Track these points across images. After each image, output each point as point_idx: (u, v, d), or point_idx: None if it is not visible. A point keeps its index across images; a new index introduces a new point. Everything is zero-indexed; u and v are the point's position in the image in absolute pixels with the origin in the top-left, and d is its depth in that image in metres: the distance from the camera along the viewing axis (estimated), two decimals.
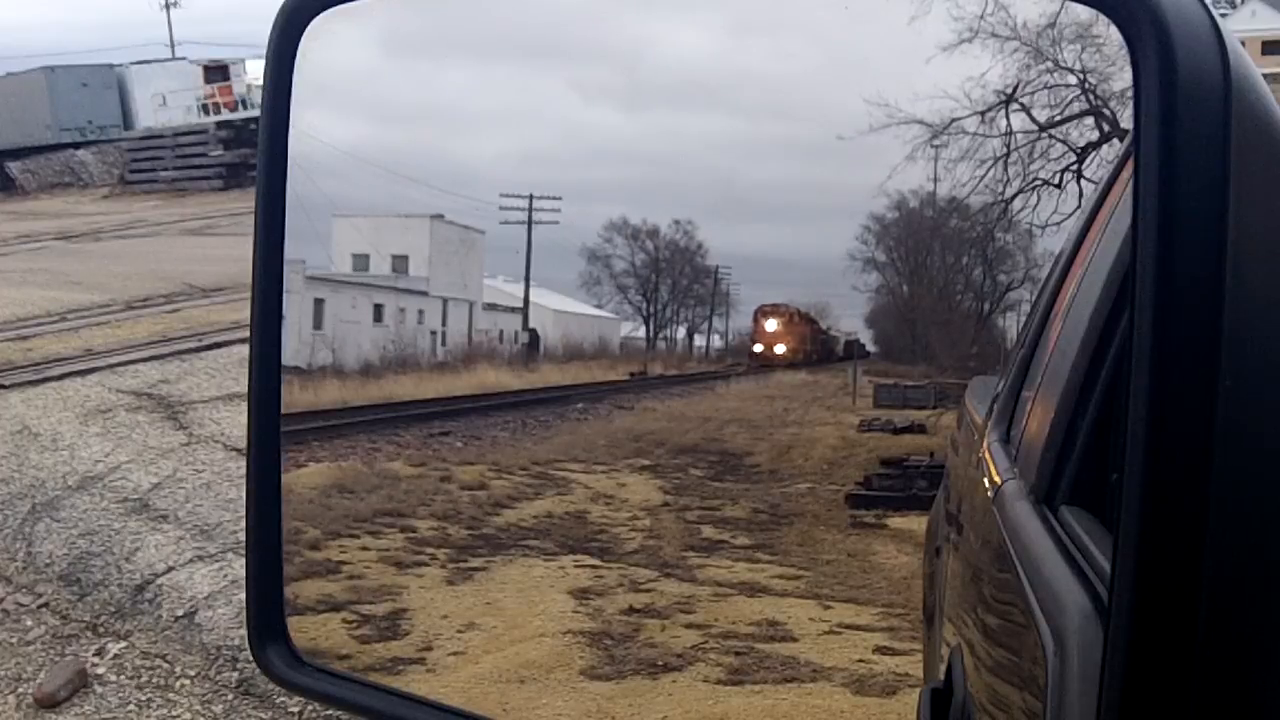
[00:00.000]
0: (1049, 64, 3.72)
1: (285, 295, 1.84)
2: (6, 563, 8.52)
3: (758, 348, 11.28)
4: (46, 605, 7.95)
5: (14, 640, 7.66)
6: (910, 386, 8.01)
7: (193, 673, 6.98)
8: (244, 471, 1.84)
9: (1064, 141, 4.15)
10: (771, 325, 11.24)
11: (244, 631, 2.96)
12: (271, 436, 1.82)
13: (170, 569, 7.94)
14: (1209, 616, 0.82)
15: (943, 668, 1.66)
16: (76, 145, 47.69)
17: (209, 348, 13.44)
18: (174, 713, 6.73)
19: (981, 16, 3.08)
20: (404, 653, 5.62)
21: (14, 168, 47.66)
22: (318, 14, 1.71)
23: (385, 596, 6.30)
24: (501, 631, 5.77)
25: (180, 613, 7.49)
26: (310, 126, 1.84)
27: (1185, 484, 0.82)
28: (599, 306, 11.40)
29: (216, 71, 47.24)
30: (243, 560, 1.86)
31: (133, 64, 50.27)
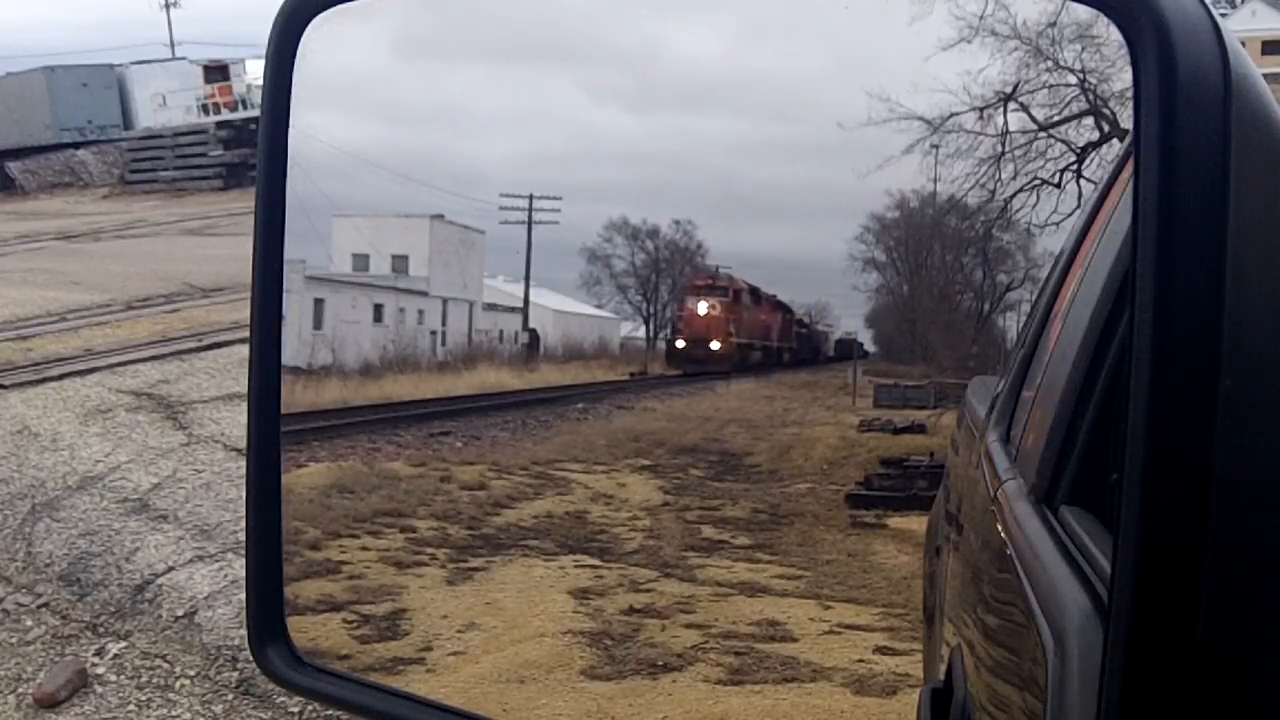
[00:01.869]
0: (1049, 63, 3.72)
1: (285, 295, 1.84)
2: (6, 563, 8.51)
3: (680, 342, 7.92)
4: (46, 605, 7.95)
5: (14, 640, 7.66)
6: (910, 386, 7.97)
7: (193, 673, 6.98)
8: (244, 471, 1.84)
9: (1064, 141, 4.15)
10: (703, 308, 7.92)
11: (244, 631, 2.96)
12: (271, 436, 1.83)
13: (170, 569, 7.94)
14: (1209, 616, 0.82)
15: (943, 668, 1.66)
16: (76, 145, 47.67)
17: (209, 348, 13.44)
18: (174, 713, 6.72)
19: (982, 16, 3.08)
20: (404, 653, 5.62)
21: (14, 168, 47.65)
22: (318, 14, 1.71)
23: (385, 596, 6.30)
24: (501, 631, 5.77)
25: (180, 613, 7.48)
26: (310, 126, 1.84)
27: (1185, 484, 0.82)
28: (599, 306, 11.38)
29: (216, 71, 47.23)
30: (243, 560, 1.86)
31: (133, 64, 50.25)
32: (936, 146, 5.38)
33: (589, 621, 5.75)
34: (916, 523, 5.17)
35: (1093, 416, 1.27)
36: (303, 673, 1.82)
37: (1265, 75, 0.95)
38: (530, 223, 9.79)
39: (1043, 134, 4.35)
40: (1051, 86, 3.95)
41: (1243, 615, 0.83)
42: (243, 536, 1.87)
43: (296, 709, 6.40)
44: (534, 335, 11.12)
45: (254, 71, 43.50)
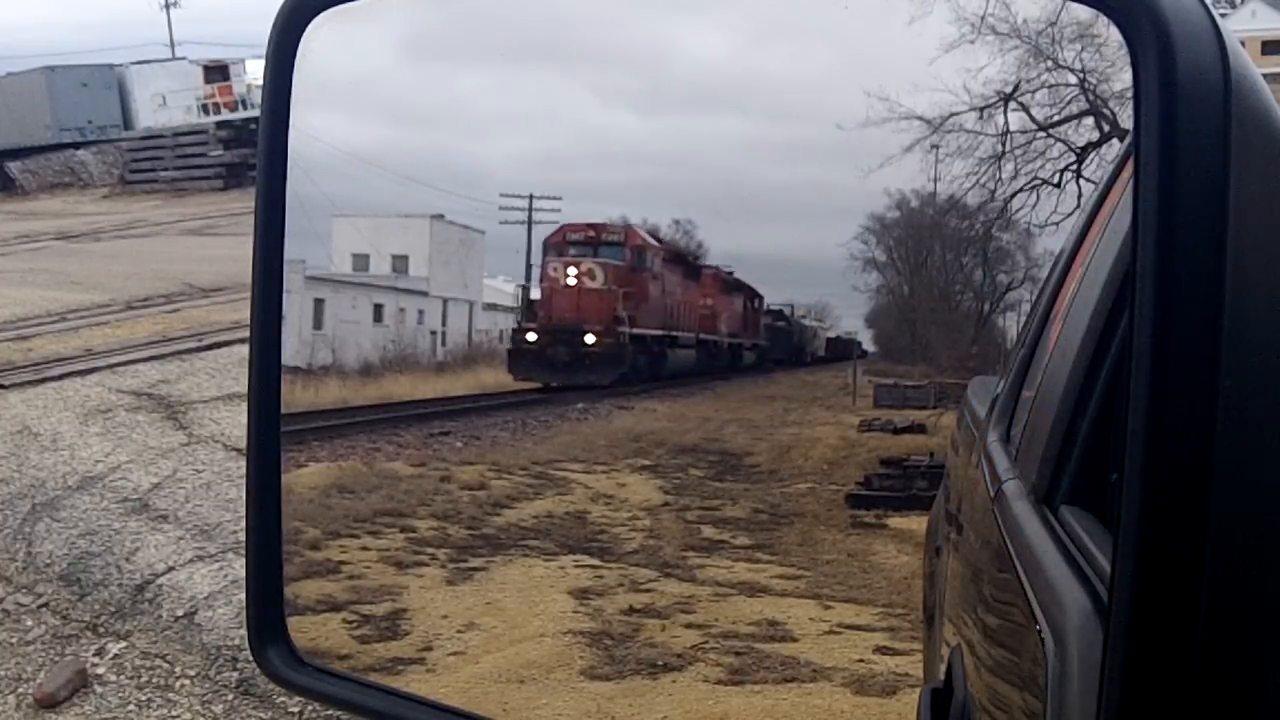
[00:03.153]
0: (1049, 63, 3.71)
1: (285, 295, 1.84)
2: (6, 563, 8.52)
3: (531, 335, 5.30)
4: (46, 605, 7.95)
5: (14, 640, 7.66)
6: (910, 386, 7.96)
7: (193, 673, 6.98)
8: (244, 471, 1.84)
9: (1064, 141, 4.15)
10: (572, 275, 5.17)
11: (244, 631, 2.96)
12: (271, 436, 1.83)
13: (170, 569, 7.94)
14: (1209, 616, 0.82)
15: (943, 668, 1.66)
16: (76, 145, 47.70)
17: (209, 348, 13.44)
18: (174, 713, 6.72)
19: (982, 16, 3.08)
20: (404, 653, 5.62)
21: (14, 168, 47.67)
22: (318, 14, 1.71)
23: (385, 596, 6.30)
24: (501, 631, 5.77)
25: (180, 613, 7.49)
26: (310, 127, 1.84)
27: (1185, 484, 0.82)
28: None
29: (216, 71, 47.28)
30: (243, 560, 1.87)
31: (133, 64, 50.29)
32: (936, 146, 5.37)
33: (589, 621, 5.74)
34: (916, 523, 5.17)
35: (1093, 416, 1.27)
36: (303, 673, 1.82)
37: (1265, 75, 0.95)
38: (530, 223, 9.78)
39: (1042, 134, 4.35)
40: (1051, 86, 3.95)
41: (1243, 615, 0.83)
42: (243, 536, 1.87)
43: (296, 709, 6.40)
44: None
45: (254, 71, 43.52)
